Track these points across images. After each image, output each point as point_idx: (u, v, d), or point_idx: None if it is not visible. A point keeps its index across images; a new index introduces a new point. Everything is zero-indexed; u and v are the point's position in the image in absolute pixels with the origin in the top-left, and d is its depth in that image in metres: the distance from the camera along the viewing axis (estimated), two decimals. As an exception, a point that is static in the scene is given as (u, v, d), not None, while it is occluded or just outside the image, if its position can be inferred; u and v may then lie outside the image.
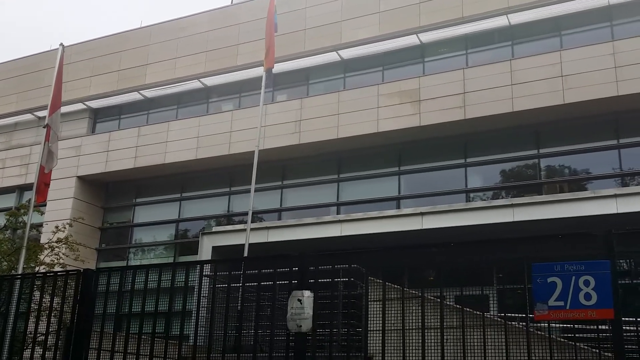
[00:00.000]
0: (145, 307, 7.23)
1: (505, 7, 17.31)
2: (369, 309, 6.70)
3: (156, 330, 7.09)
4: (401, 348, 6.01)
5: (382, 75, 19.05)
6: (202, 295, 7.24)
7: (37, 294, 8.38)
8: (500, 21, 17.61)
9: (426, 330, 5.94)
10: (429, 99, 17.02)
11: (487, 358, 5.62)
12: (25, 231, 13.09)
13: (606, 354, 5.71)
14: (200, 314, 7.05)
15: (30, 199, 13.86)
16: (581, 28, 17.15)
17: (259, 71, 16.29)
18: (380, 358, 6.00)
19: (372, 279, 7.23)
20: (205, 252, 17.41)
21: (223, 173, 20.29)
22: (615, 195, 14.08)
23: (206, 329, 7.05)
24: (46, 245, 15.97)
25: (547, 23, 17.39)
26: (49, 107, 13.40)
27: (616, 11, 16.77)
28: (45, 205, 20.03)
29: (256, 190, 14.43)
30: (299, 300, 6.17)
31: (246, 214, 14.87)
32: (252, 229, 14.22)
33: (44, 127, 13.14)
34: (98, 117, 23.45)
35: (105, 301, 7.46)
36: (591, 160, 16.29)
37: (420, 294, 6.33)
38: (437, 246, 6.48)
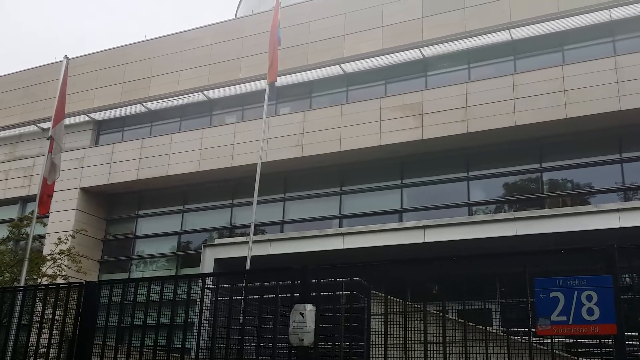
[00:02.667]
0: (147, 319, 7.23)
1: (507, 22, 17.40)
2: (372, 323, 6.69)
3: (158, 343, 7.08)
4: (403, 362, 5.99)
5: (384, 88, 19.11)
6: (204, 308, 7.24)
7: (39, 306, 8.38)
8: (502, 36, 17.69)
9: (429, 345, 5.93)
10: (431, 113, 17.07)
11: (489, 373, 5.61)
12: (28, 243, 13.10)
13: (609, 369, 5.69)
14: (202, 327, 7.04)
15: (33, 211, 13.89)
16: (583, 43, 17.22)
17: (262, 84, 16.36)
18: (383, 372, 5.97)
19: (375, 292, 7.22)
20: (207, 265, 17.38)
21: (226, 185, 20.31)
22: (618, 210, 14.06)
23: (208, 342, 7.04)
24: (49, 257, 16.02)
25: (549, 38, 17.46)
26: (52, 118, 13.46)
27: (618, 27, 16.84)
28: (48, 216, 20.06)
29: (259, 202, 14.44)
30: (301, 314, 6.16)
31: (248, 226, 14.87)
32: (254, 242, 14.20)
33: (47, 139, 13.18)
34: (101, 129, 23.53)
35: (107, 313, 7.47)
36: (594, 174, 16.29)
37: (422, 307, 6.33)
38: (439, 259, 6.48)
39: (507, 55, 17.92)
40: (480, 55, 18.23)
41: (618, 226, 13.71)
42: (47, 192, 12.96)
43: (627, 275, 5.77)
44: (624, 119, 15.39)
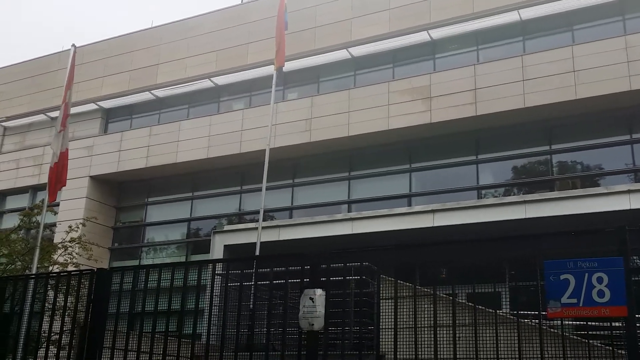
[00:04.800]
0: (158, 306, 7.27)
1: (516, 2, 17.21)
2: (381, 307, 6.70)
3: (169, 329, 7.13)
4: (413, 346, 6.01)
5: (392, 72, 19.00)
6: (214, 294, 7.28)
7: (51, 293, 8.45)
8: (511, 16, 17.51)
9: (438, 328, 5.94)
10: (440, 96, 16.96)
11: (499, 356, 5.61)
12: (39, 231, 13.19)
13: (619, 351, 5.68)
14: (212, 313, 7.08)
15: (43, 199, 13.96)
16: (593, 22, 17.01)
17: (270, 70, 16.31)
18: (393, 356, 5.99)
19: (384, 276, 7.23)
20: (217, 251, 17.47)
21: (234, 172, 20.34)
22: (629, 191, 13.97)
23: (219, 327, 7.08)
24: (59, 245, 16.14)
25: (558, 18, 17.28)
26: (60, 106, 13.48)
27: (628, 5, 16.62)
28: (58, 205, 20.19)
29: (267, 188, 14.47)
30: (311, 299, 6.18)
31: (257, 212, 14.90)
32: (263, 228, 14.25)
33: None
34: (110, 117, 23.58)
35: (118, 300, 7.51)
36: (604, 156, 16.17)
37: (432, 291, 6.33)
38: (449, 243, 6.47)
39: (516, 36, 17.75)
40: (488, 36, 18.07)
41: (628, 208, 13.65)
42: (60, 182, 12.86)
43: (638, 257, 5.73)
44: (635, 99, 15.22)
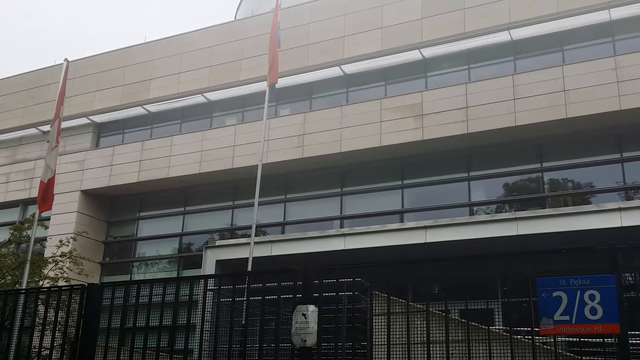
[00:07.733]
0: (150, 321, 7.23)
1: (507, 22, 17.41)
2: (374, 323, 6.70)
3: (160, 345, 7.09)
4: (406, 362, 6.00)
5: (384, 89, 19.12)
6: (206, 309, 7.25)
7: (41, 308, 8.39)
8: (502, 36, 17.69)
9: (431, 345, 5.94)
10: (431, 113, 17.08)
11: (492, 372, 5.61)
12: (30, 245, 13.10)
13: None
14: (204, 329, 7.05)
15: (34, 213, 13.88)
16: (583, 43, 17.22)
17: (262, 86, 16.37)
18: (386, 372, 5.98)
19: (377, 292, 7.23)
20: (208, 266, 17.38)
21: (226, 187, 20.32)
22: (620, 209, 14.05)
23: (210, 343, 7.05)
24: (50, 260, 16.03)
25: (549, 38, 17.47)
26: (52, 121, 13.44)
27: (618, 26, 16.85)
28: (49, 219, 20.09)
29: (260, 204, 14.45)
30: (304, 315, 6.17)
31: (250, 227, 14.86)
32: (255, 243, 14.20)
33: (48, 142, 13.18)
34: (102, 132, 23.54)
35: (109, 316, 7.47)
36: (594, 174, 16.30)
37: (424, 307, 6.33)
38: (441, 260, 6.49)
39: (507, 55, 17.93)
40: (480, 55, 18.24)
41: (619, 225, 13.71)
42: (47, 204, 12.66)
43: (629, 275, 5.77)
44: (625, 118, 15.40)
